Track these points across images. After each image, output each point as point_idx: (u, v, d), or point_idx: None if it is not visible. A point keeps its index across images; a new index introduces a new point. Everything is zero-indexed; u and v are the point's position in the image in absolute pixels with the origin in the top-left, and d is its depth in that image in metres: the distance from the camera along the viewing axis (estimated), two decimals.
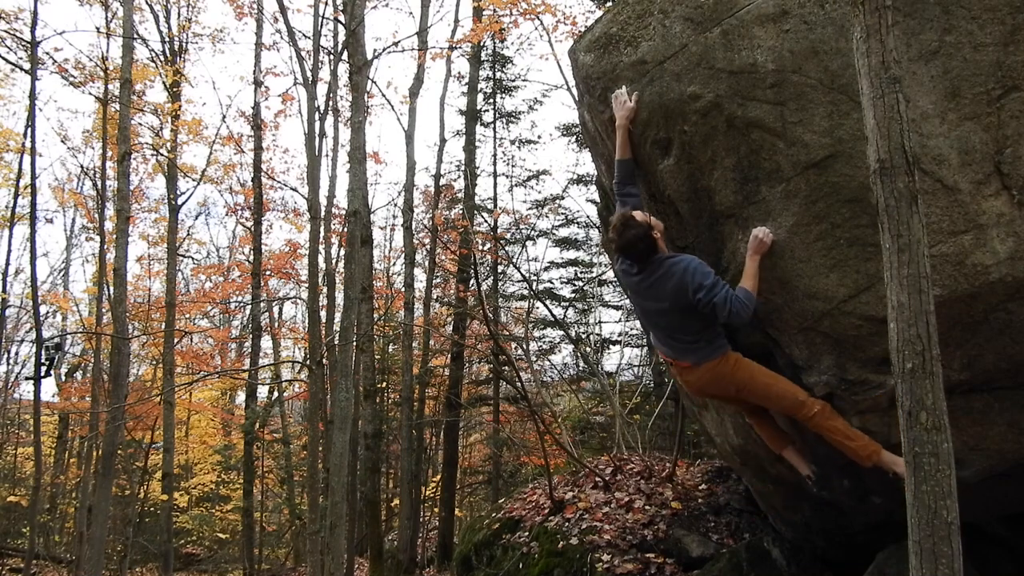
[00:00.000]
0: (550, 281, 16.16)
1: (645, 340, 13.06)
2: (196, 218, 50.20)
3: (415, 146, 14.90)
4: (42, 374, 11.01)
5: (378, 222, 19.97)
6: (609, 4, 10.78)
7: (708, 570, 5.00)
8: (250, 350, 17.66)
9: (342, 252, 13.49)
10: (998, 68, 3.06)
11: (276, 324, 20.06)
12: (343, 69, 11.61)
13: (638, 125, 3.67)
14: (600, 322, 16.48)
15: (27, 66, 11.22)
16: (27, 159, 11.63)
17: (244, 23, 29.00)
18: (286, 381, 19.60)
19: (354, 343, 8.46)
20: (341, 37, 10.99)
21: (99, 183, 14.15)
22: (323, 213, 12.03)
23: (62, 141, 22.23)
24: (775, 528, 5.20)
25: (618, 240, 3.46)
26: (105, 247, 13.45)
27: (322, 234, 12.86)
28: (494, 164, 15.73)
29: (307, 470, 10.29)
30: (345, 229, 11.48)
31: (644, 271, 3.49)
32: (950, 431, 2.28)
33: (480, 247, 15.32)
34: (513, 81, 15.75)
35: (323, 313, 12.97)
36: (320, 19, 10.66)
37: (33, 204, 11.46)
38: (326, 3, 11.83)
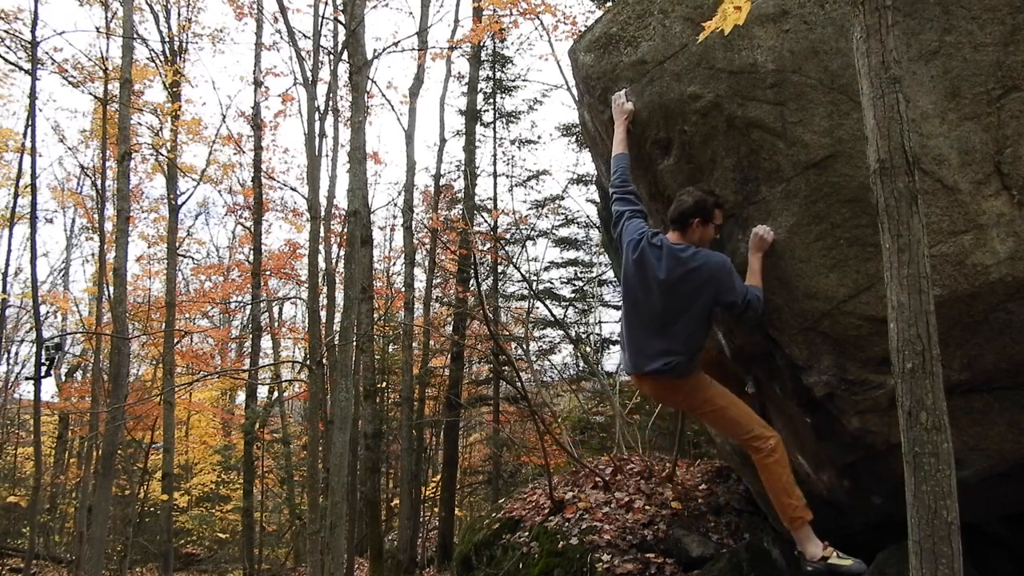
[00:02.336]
0: (550, 281, 16.17)
1: None
2: (196, 218, 50.26)
3: (415, 146, 14.94)
4: (42, 374, 11.00)
5: (378, 222, 19.99)
6: (609, 4, 10.77)
7: (708, 570, 4.99)
8: (250, 350, 17.67)
9: (342, 252, 13.49)
10: (998, 68, 3.06)
11: (276, 324, 20.07)
12: (343, 69, 11.62)
13: (638, 125, 3.68)
14: (600, 322, 16.49)
15: (27, 66, 11.22)
16: (27, 159, 11.64)
17: (244, 23, 29.05)
18: (286, 381, 19.61)
19: (354, 343, 8.46)
20: (341, 37, 10.99)
21: (99, 183, 14.15)
22: (323, 213, 12.03)
23: (60, 141, 22.29)
24: (775, 528, 5.19)
25: (682, 198, 3.34)
26: (105, 247, 13.45)
27: (322, 234, 12.86)
28: (494, 164, 15.73)
29: (307, 470, 10.30)
30: (345, 229, 11.48)
31: (671, 257, 3.28)
32: (950, 431, 2.27)
33: (480, 247, 15.32)
34: (513, 81, 15.75)
35: (323, 313, 12.97)
36: (320, 19, 10.67)
37: (33, 204, 11.46)
38: (326, 3, 11.84)
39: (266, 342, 19.40)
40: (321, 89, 11.40)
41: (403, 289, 15.48)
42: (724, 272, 3.25)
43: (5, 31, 11.21)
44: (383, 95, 19.92)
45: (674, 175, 3.62)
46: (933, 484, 2.21)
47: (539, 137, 18.57)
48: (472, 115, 15.14)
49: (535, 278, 15.35)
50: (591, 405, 13.53)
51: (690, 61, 3.50)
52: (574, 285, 16.07)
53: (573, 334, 14.54)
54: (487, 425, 16.30)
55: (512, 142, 15.92)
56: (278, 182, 15.89)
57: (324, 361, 9.97)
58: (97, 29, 13.29)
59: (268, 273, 16.67)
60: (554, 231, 15.76)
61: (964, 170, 3.04)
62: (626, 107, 3.63)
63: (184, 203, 14.06)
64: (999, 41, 3.07)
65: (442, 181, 16.27)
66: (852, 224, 3.18)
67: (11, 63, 11.82)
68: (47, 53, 12.44)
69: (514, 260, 15.17)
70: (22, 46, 11.39)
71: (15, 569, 14.23)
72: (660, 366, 3.35)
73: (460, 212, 15.76)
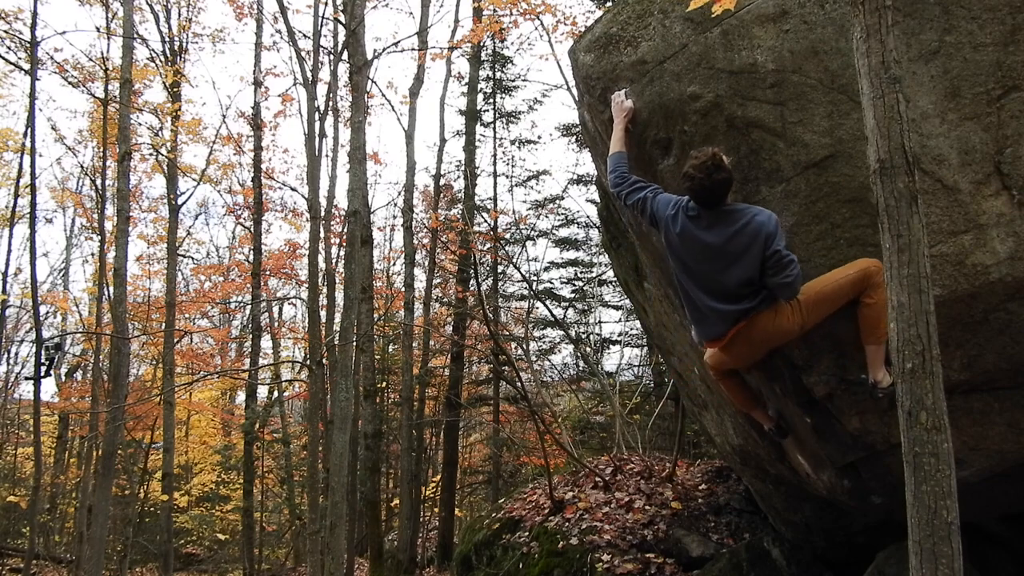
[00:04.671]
0: (550, 281, 16.19)
1: (647, 339, 13.05)
2: (196, 218, 50.19)
3: (415, 146, 14.93)
4: (42, 374, 10.98)
5: (378, 222, 20.01)
6: (609, 4, 10.78)
7: (708, 570, 5.00)
8: (250, 350, 17.66)
9: (342, 252, 13.49)
10: (998, 68, 3.06)
11: (276, 324, 20.07)
12: (343, 69, 11.62)
13: (638, 125, 3.67)
14: (600, 322, 16.51)
15: (27, 66, 11.21)
16: (27, 159, 11.64)
17: (244, 23, 29.08)
18: (286, 381, 19.61)
19: (354, 343, 8.46)
20: (341, 37, 11.00)
21: (98, 183, 14.15)
22: (323, 213, 12.03)
23: (58, 141, 22.27)
24: (775, 528, 5.20)
25: (706, 180, 3.08)
26: (105, 247, 13.44)
27: (322, 234, 12.86)
28: (494, 164, 15.74)
29: (307, 470, 10.29)
30: (345, 229, 11.48)
31: (715, 223, 3.17)
32: (950, 431, 2.27)
33: (480, 247, 15.32)
34: (513, 81, 15.76)
35: (323, 313, 12.98)
36: (320, 19, 10.67)
37: (33, 204, 11.47)
38: (326, 3, 11.83)
39: (266, 342, 19.42)
40: (321, 89, 11.41)
41: (403, 289, 15.48)
42: (772, 224, 3.13)
43: (5, 31, 11.21)
44: (383, 95, 19.88)
45: (674, 175, 3.62)
46: (933, 484, 2.21)
47: (539, 137, 18.64)
48: (472, 115, 15.14)
49: (535, 278, 15.36)
50: (591, 405, 13.55)
51: (690, 61, 3.50)
52: (574, 285, 16.08)
53: (573, 334, 14.55)
54: (487, 425, 16.30)
55: (512, 142, 15.93)
56: (278, 182, 15.89)
57: (324, 361, 9.96)
58: (97, 29, 13.30)
59: (268, 273, 16.67)
60: (554, 231, 15.78)
61: (964, 170, 3.04)
62: (625, 105, 3.63)
63: (184, 203, 14.07)
64: (999, 41, 3.07)
65: (442, 181, 16.28)
66: (852, 224, 3.18)
67: (11, 63, 11.82)
68: (47, 53, 12.46)
69: (514, 260, 15.17)
70: (22, 46, 11.40)
71: (15, 569, 14.24)
72: (738, 315, 3.23)
73: (460, 212, 15.76)
